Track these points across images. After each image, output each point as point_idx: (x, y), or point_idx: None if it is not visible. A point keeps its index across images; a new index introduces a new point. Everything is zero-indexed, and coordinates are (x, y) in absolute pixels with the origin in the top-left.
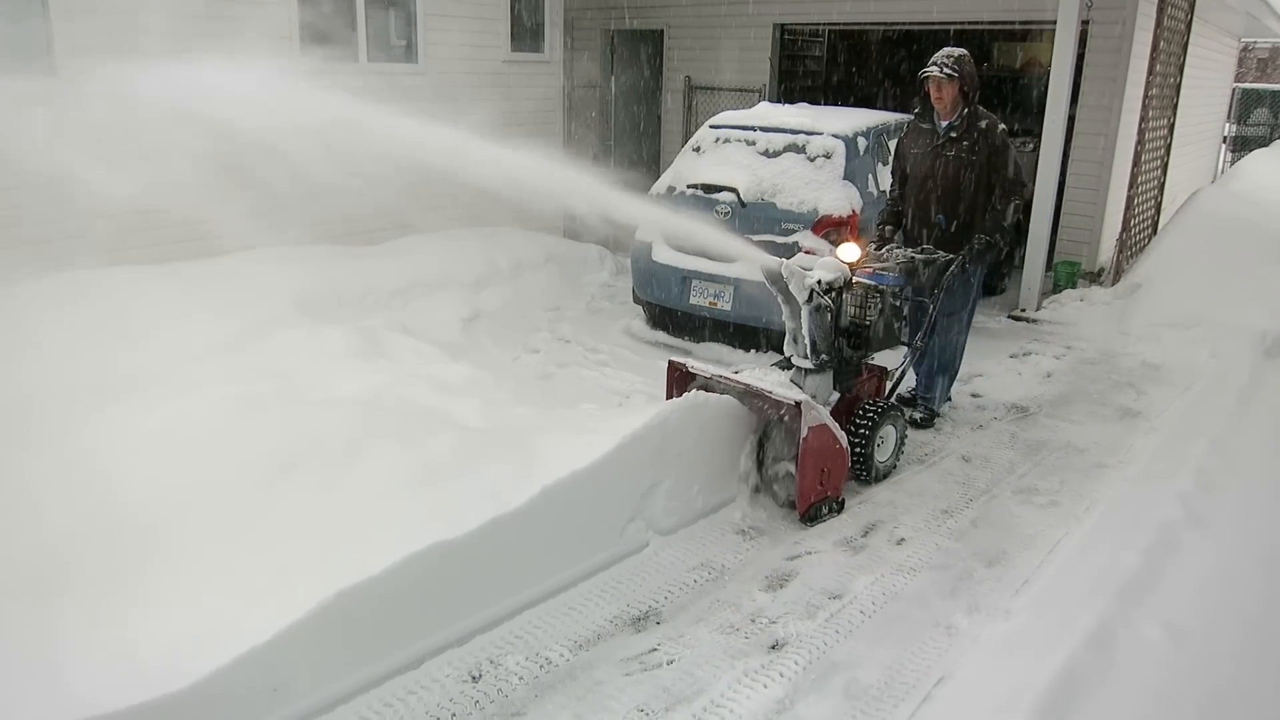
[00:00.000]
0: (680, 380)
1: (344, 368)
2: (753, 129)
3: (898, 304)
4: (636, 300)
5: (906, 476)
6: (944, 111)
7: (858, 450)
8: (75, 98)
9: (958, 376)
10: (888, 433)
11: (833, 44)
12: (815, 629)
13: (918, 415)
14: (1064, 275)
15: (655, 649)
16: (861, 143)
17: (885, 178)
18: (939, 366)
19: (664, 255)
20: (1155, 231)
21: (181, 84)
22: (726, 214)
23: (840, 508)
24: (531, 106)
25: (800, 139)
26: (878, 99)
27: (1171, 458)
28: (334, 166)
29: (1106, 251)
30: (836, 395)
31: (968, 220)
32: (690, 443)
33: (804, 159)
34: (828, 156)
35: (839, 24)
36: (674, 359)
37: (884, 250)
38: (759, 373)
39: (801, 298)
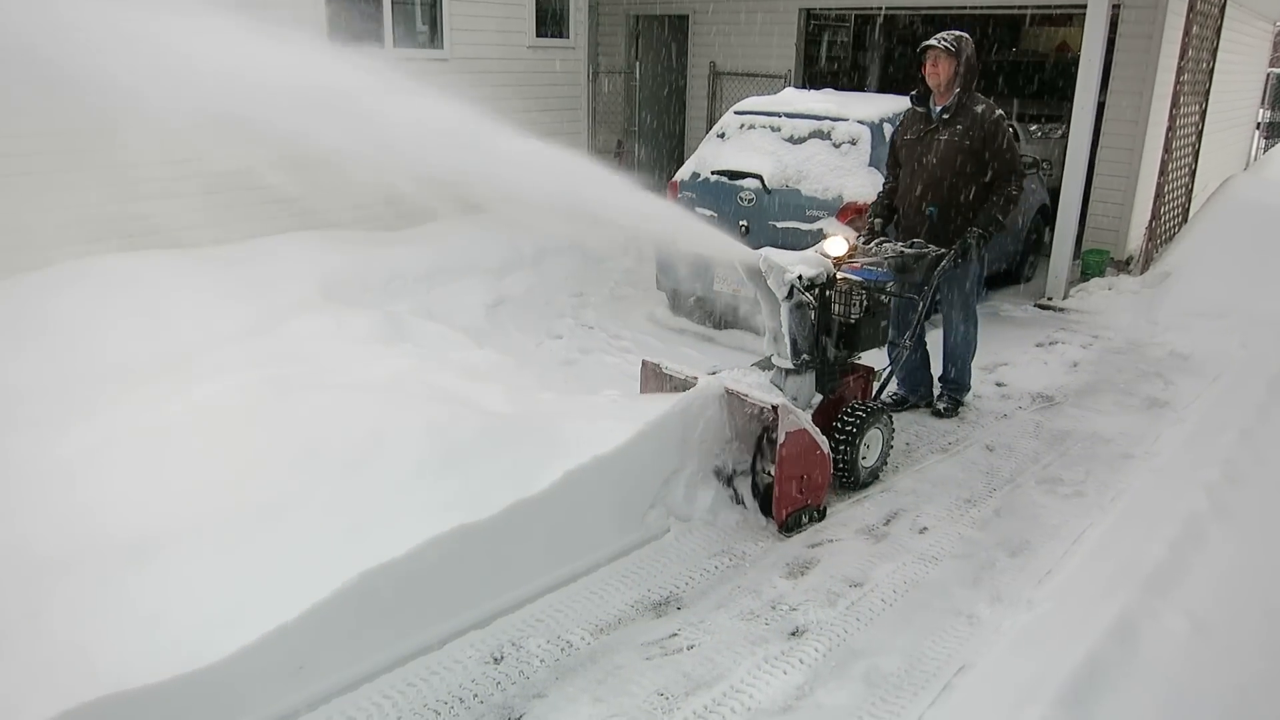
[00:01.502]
0: (654, 380)
1: (369, 352)
2: (778, 115)
3: (885, 301)
4: (660, 286)
5: (929, 465)
6: (938, 92)
7: (841, 456)
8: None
9: (976, 365)
10: (874, 437)
11: (859, 29)
12: (836, 616)
13: (942, 405)
14: (1092, 263)
15: (675, 634)
16: (887, 129)
17: None
18: (958, 358)
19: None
20: (1186, 219)
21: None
22: (750, 201)
23: (822, 516)
24: (556, 92)
25: (825, 125)
26: (905, 85)
27: (1199, 449)
28: (358, 153)
29: (1136, 239)
30: (819, 397)
31: (962, 210)
32: (712, 430)
33: (829, 145)
34: (853, 143)
35: (866, 8)
36: (647, 359)
37: (874, 244)
38: (737, 374)
39: (780, 294)
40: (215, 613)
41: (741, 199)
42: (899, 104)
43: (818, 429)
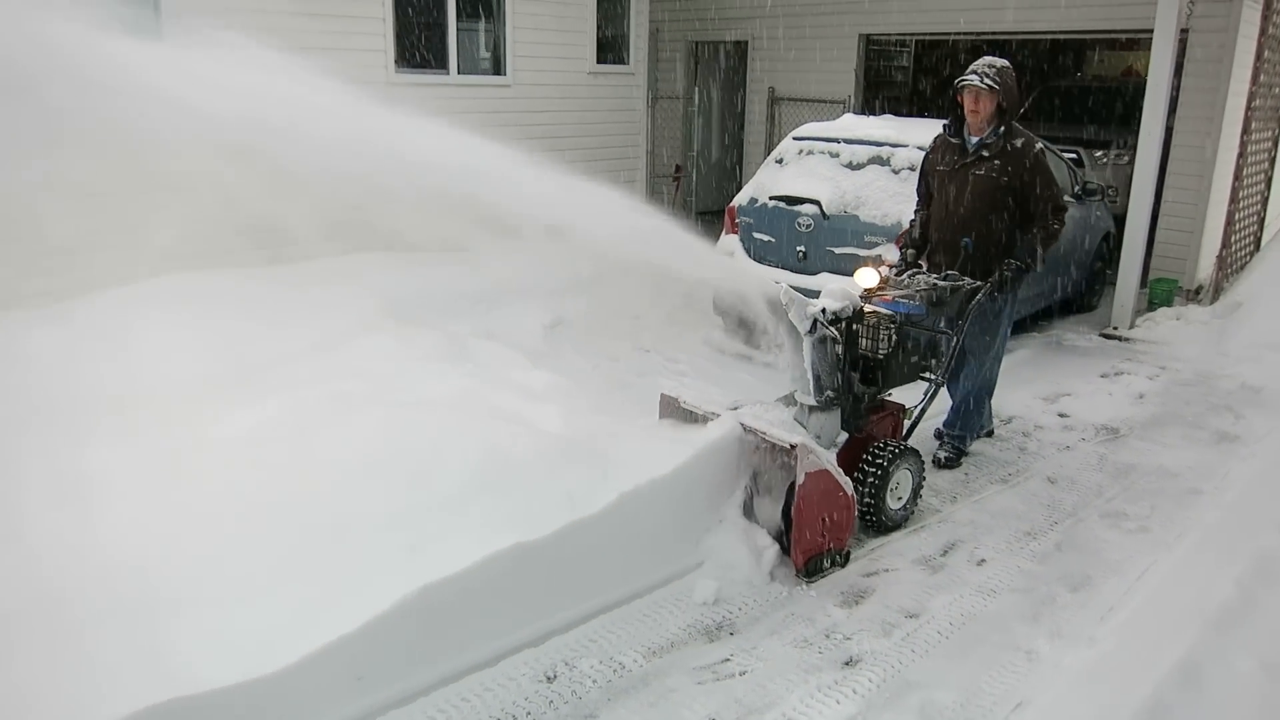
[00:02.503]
0: (673, 414)
1: (430, 371)
2: (836, 140)
3: (917, 335)
4: (716, 310)
5: (989, 496)
6: (975, 126)
7: (867, 497)
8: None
9: (1037, 395)
10: (902, 478)
11: (919, 54)
12: (891, 647)
13: (943, 455)
14: (1160, 292)
15: (728, 659)
16: None
17: None
18: (971, 403)
19: (745, 266)
20: (1258, 248)
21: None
22: (808, 227)
23: (845, 560)
24: (615, 117)
25: (884, 151)
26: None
27: (1270, 485)
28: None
29: (1205, 268)
30: (845, 435)
31: (996, 245)
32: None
33: (888, 171)
34: (912, 169)
35: (926, 34)
36: (665, 391)
37: (905, 276)
38: (758, 410)
39: (803, 328)
40: (280, 621)
41: (799, 224)
42: None
43: (840, 469)
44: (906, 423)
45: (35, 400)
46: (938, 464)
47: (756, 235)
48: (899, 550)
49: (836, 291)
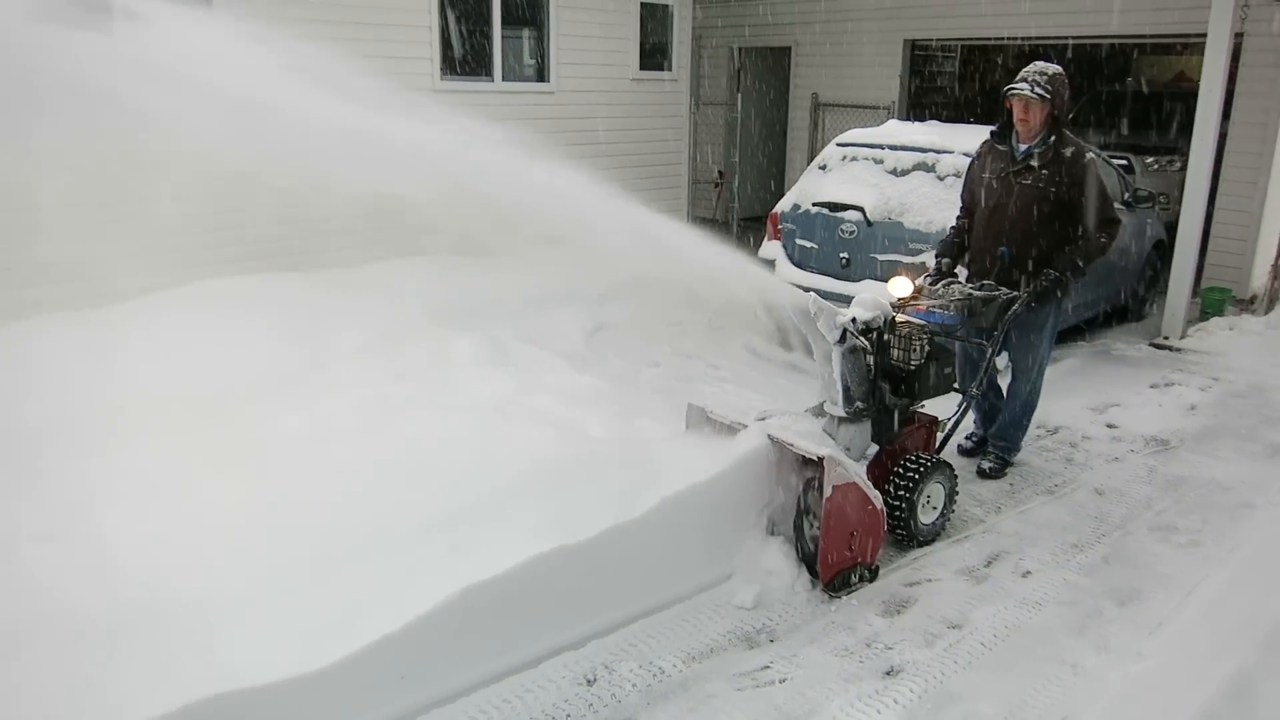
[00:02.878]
0: (700, 424)
1: (474, 375)
2: (881, 147)
3: (950, 346)
4: (769, 318)
5: (1034, 507)
6: (1025, 134)
7: (898, 511)
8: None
9: (1084, 405)
10: (934, 491)
11: (966, 60)
12: (933, 657)
13: (987, 465)
14: (1212, 302)
15: (768, 666)
16: None
17: None
18: (1016, 413)
19: (786, 273)
20: None
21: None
22: (852, 233)
23: (874, 575)
24: (658, 123)
25: (930, 157)
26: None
27: None
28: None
29: (1260, 277)
30: (875, 448)
31: (1039, 257)
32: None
33: (933, 178)
34: (958, 175)
35: (973, 39)
36: (693, 401)
37: (940, 285)
38: (786, 420)
39: (832, 338)
40: (325, 620)
41: (843, 231)
42: None
43: (869, 482)
44: (939, 435)
45: (90, 401)
46: (982, 474)
47: (799, 242)
48: (941, 560)
49: (868, 301)
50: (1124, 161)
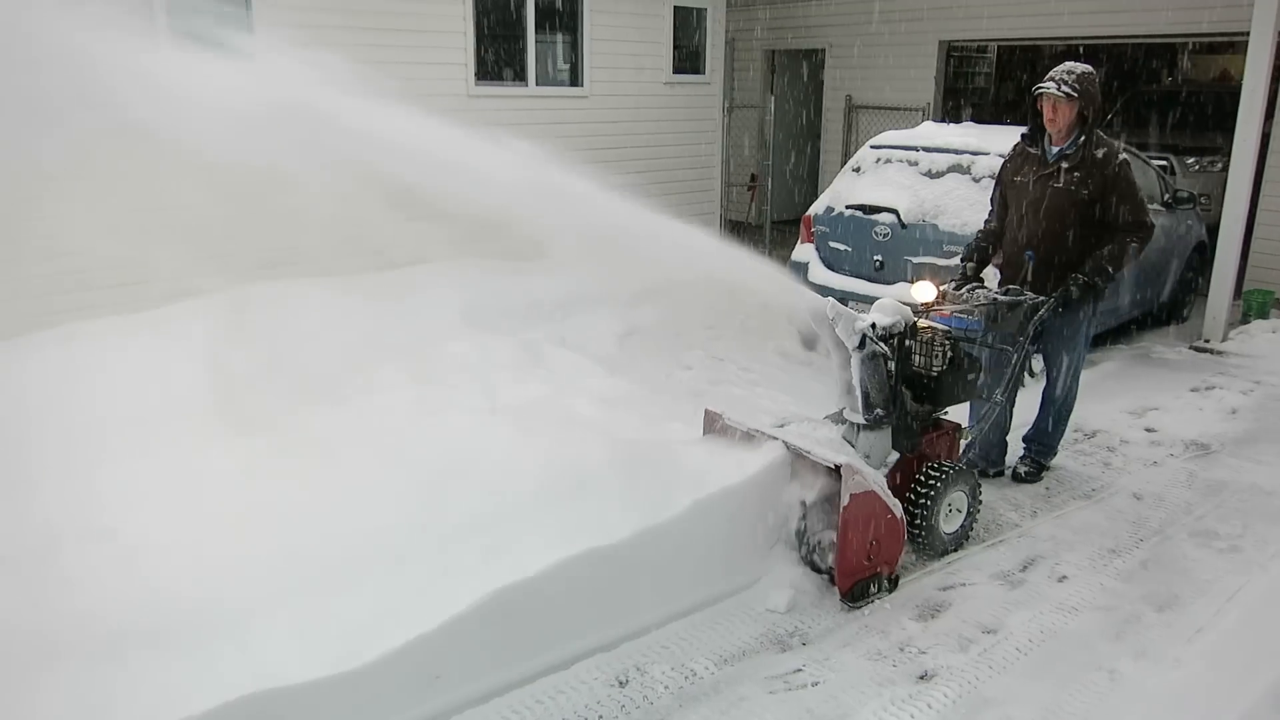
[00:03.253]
0: (716, 431)
1: (507, 378)
2: (915, 149)
3: (974, 352)
4: (794, 321)
5: (1071, 512)
6: (1056, 136)
7: (919, 519)
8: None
9: (1123, 409)
10: (957, 499)
11: (1002, 61)
12: (967, 662)
13: (1023, 469)
14: (1255, 304)
15: (800, 669)
16: None
17: None
18: (1051, 421)
19: (820, 276)
20: None
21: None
22: (886, 236)
23: (894, 585)
24: (691, 127)
25: (965, 159)
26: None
27: None
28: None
29: None
30: (896, 455)
31: (1069, 261)
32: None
33: (968, 180)
34: (994, 177)
35: (1010, 40)
36: (710, 407)
37: (964, 290)
38: (805, 427)
39: (851, 344)
40: (361, 619)
41: (877, 233)
42: None
43: (889, 491)
44: (963, 442)
45: (130, 404)
46: (1017, 478)
47: (832, 244)
48: (976, 564)
49: (887, 306)
50: (1164, 162)
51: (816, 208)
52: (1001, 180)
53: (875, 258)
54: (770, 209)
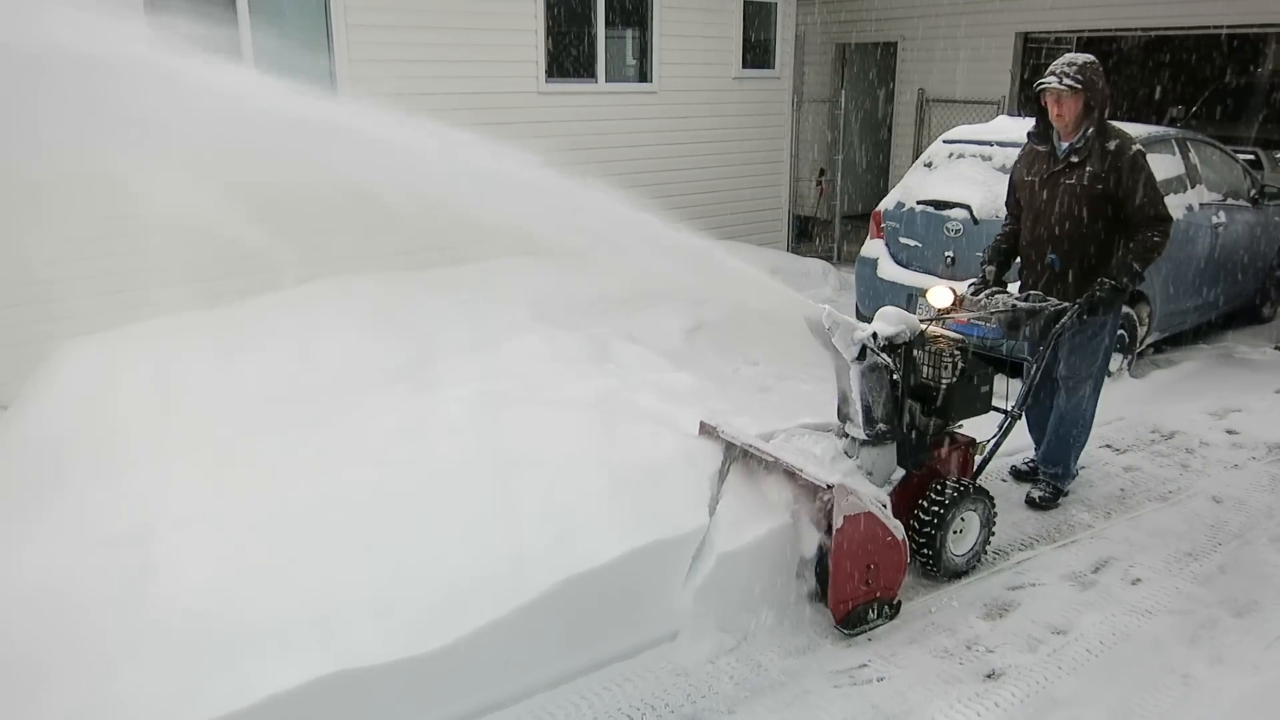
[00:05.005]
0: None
1: (576, 371)
2: (989, 144)
3: (988, 364)
4: (859, 316)
5: (1146, 514)
6: (1064, 131)
7: (924, 541)
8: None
9: (1203, 410)
10: (967, 520)
11: (1082, 51)
12: (1036, 662)
13: (1037, 494)
14: None
15: (865, 665)
16: None
17: None
18: (1067, 434)
19: (889, 272)
20: None
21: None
22: (958, 232)
23: (895, 611)
24: (760, 121)
25: None
26: (1133, 110)
27: None
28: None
29: None
30: (901, 472)
31: (1090, 262)
32: None
33: None
34: None
35: (1090, 30)
36: (704, 420)
37: (982, 295)
38: (807, 441)
39: (849, 354)
40: (437, 604)
41: (948, 229)
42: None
43: (889, 511)
44: (977, 458)
45: (208, 397)
46: (1031, 504)
47: (903, 240)
48: (1046, 565)
49: (891, 314)
50: (1251, 156)
51: (886, 203)
52: (1013, 181)
53: (947, 254)
54: (839, 204)
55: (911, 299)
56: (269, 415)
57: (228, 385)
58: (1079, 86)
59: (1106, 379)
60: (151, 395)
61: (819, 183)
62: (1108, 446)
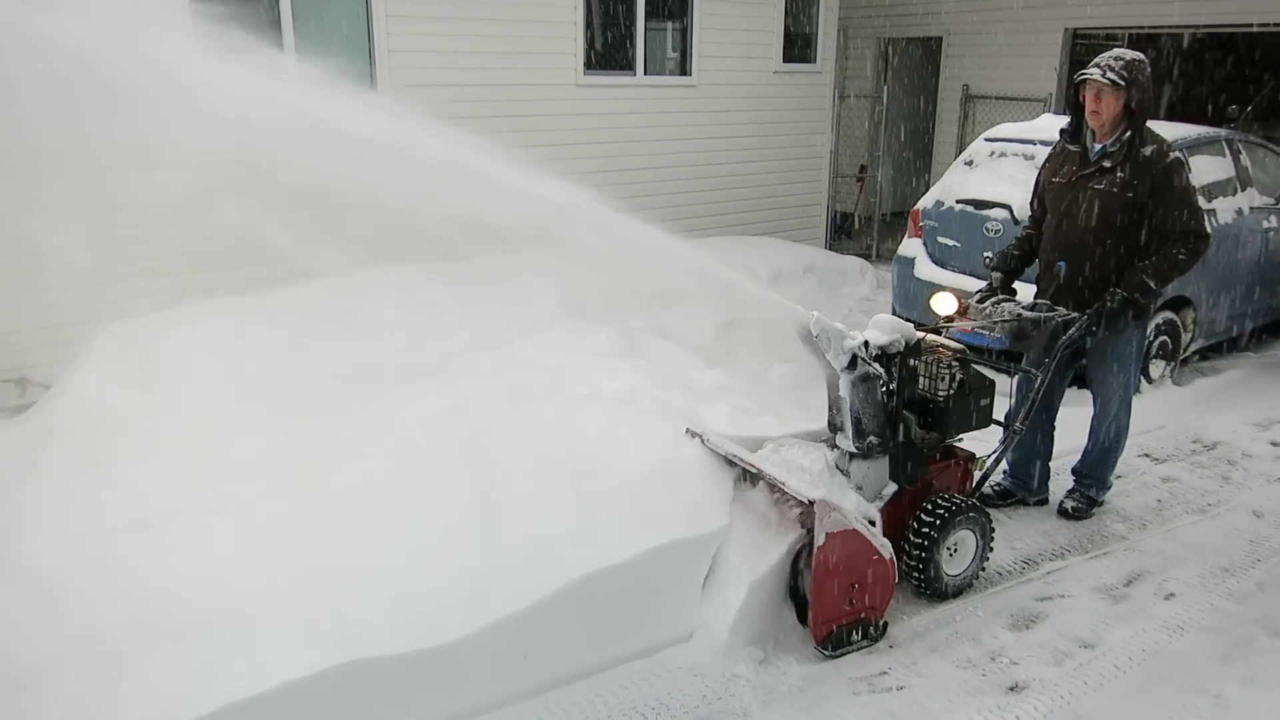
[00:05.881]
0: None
1: (605, 366)
2: (1032, 143)
3: (987, 376)
4: (895, 314)
5: (1183, 526)
6: (1100, 131)
7: (916, 560)
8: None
9: (1247, 421)
10: (963, 539)
11: (1132, 48)
12: (1061, 676)
13: (1070, 505)
14: None
15: (885, 673)
16: None
17: None
18: (1101, 449)
19: (926, 271)
20: None
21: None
22: (998, 232)
23: (881, 632)
24: (800, 116)
25: None
26: (1186, 109)
27: None
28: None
29: None
30: (893, 487)
31: (1110, 275)
32: None
33: None
34: None
35: (1143, 28)
36: (690, 426)
37: (988, 304)
38: (796, 452)
39: (838, 363)
40: (455, 597)
41: (988, 229)
42: (1171, 131)
43: (878, 528)
44: (977, 474)
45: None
46: (1063, 514)
47: (941, 239)
48: (1077, 576)
49: (885, 323)
50: None
51: (925, 201)
52: (1040, 182)
53: (985, 255)
54: (879, 201)
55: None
56: (301, 401)
57: (258, 374)
58: (1121, 83)
59: (1148, 385)
60: (191, 379)
61: (860, 179)
62: (1146, 456)
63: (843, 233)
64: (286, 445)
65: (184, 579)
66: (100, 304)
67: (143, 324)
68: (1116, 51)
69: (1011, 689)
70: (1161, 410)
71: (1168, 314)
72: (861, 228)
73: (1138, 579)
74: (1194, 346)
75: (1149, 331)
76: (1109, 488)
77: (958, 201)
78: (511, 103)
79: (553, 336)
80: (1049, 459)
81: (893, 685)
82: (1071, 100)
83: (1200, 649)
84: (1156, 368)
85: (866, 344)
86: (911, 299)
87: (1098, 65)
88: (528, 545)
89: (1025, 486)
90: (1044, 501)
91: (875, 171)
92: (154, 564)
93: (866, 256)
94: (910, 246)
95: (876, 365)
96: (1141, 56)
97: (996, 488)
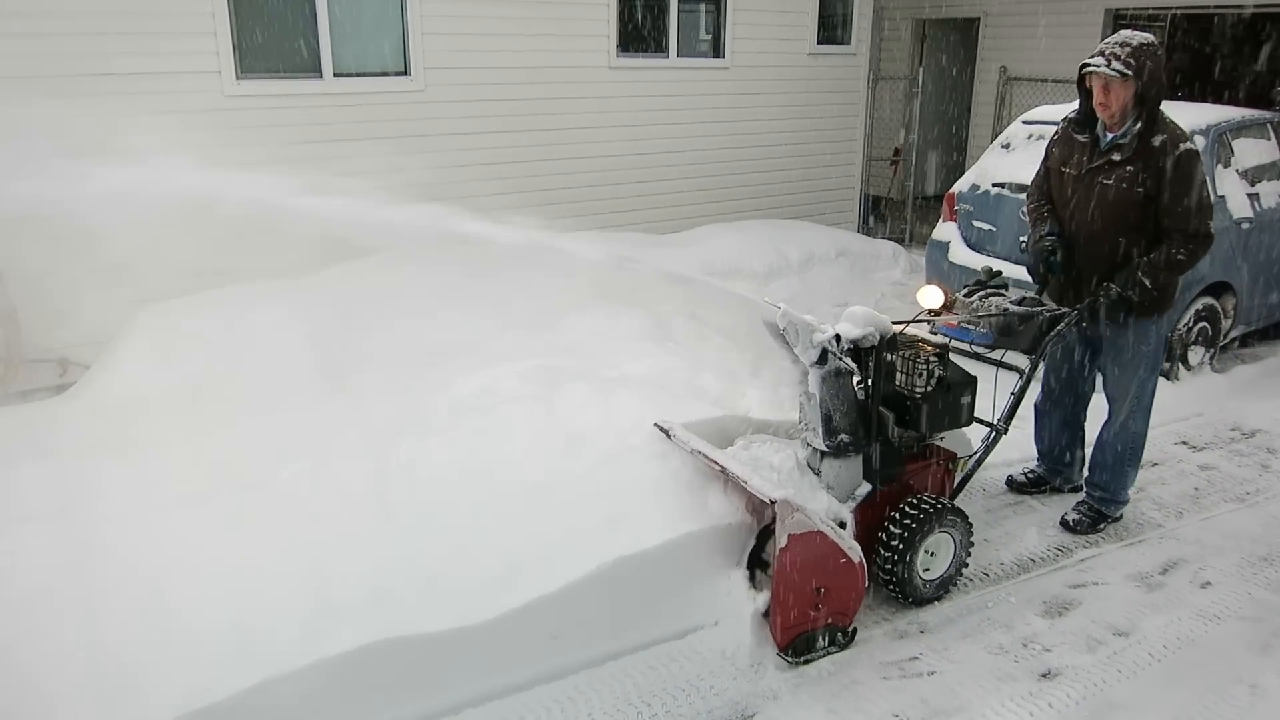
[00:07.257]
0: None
1: (636, 349)
2: None
3: (968, 372)
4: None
5: (1221, 515)
6: (1110, 121)
7: (888, 564)
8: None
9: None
10: (939, 542)
11: (1174, 30)
12: (1094, 664)
13: (1072, 516)
14: None
15: (916, 658)
16: (1199, 141)
17: (1226, 182)
18: (1114, 456)
19: (961, 256)
20: None
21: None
22: None
23: (850, 639)
24: (834, 99)
25: None
26: (1226, 92)
27: None
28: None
29: None
30: (866, 488)
31: (1111, 266)
32: None
33: None
34: None
35: (1184, 8)
36: (659, 421)
37: (977, 297)
38: (766, 449)
39: (808, 358)
40: (487, 578)
41: (1023, 214)
42: (1214, 114)
43: (848, 530)
44: (958, 475)
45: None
46: (1065, 526)
47: (976, 224)
48: (1111, 564)
49: (859, 315)
50: None
51: (961, 185)
52: (1047, 165)
53: (1021, 239)
54: (914, 184)
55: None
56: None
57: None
58: (1130, 73)
59: (1187, 372)
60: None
61: (894, 162)
62: (1183, 443)
63: (877, 216)
64: (324, 426)
65: (222, 556)
66: (140, 285)
67: (181, 306)
68: (1123, 35)
69: (1044, 676)
70: (1200, 397)
71: (1208, 299)
72: (895, 211)
73: (1174, 567)
74: (1234, 333)
75: (1181, 323)
76: (1123, 503)
77: (993, 185)
78: (544, 85)
79: (584, 319)
80: (1082, 447)
81: (924, 670)
82: (1080, 87)
83: (1237, 638)
84: (1196, 354)
85: (838, 338)
86: (946, 283)
87: (1102, 54)
88: (559, 528)
89: (1060, 474)
90: (1078, 489)
91: (910, 155)
92: (194, 541)
93: (900, 241)
94: (945, 230)
95: (849, 360)
96: (1151, 39)
97: (1030, 475)
